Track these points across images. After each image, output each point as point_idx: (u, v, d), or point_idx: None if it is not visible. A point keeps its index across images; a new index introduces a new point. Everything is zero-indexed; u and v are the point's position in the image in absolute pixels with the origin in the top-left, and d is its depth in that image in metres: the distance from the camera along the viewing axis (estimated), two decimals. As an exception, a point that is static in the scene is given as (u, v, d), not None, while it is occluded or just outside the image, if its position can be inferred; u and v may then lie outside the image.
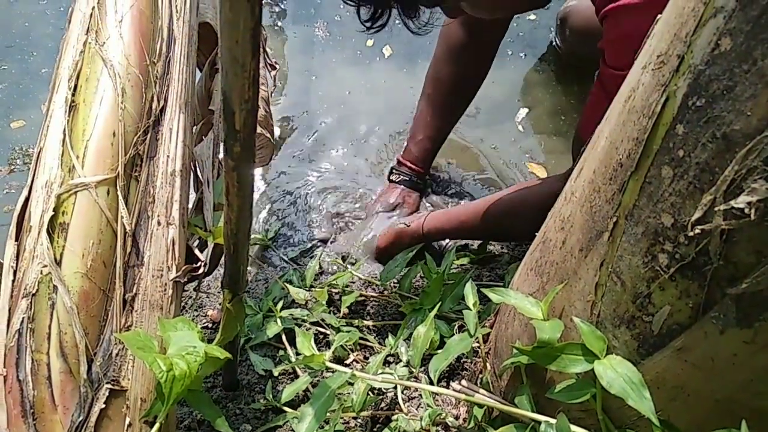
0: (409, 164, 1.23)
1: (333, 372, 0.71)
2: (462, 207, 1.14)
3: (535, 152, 1.40)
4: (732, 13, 0.32)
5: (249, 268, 1.13)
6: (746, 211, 0.33)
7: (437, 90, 1.18)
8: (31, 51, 1.56)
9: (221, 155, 0.56)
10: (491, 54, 1.17)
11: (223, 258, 0.62)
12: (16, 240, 0.59)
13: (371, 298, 1.03)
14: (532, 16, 1.64)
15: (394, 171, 1.25)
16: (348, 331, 0.92)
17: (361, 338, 0.92)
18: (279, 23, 1.66)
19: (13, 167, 1.34)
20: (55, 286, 0.56)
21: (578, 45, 1.42)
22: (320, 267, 1.13)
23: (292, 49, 1.60)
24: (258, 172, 1.33)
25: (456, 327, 0.87)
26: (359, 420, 0.81)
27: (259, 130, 1.01)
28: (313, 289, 1.05)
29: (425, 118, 1.20)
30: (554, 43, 1.54)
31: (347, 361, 0.91)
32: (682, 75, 0.36)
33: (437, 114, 1.19)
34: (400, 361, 0.86)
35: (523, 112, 1.46)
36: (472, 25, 1.11)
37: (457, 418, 0.75)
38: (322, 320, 0.95)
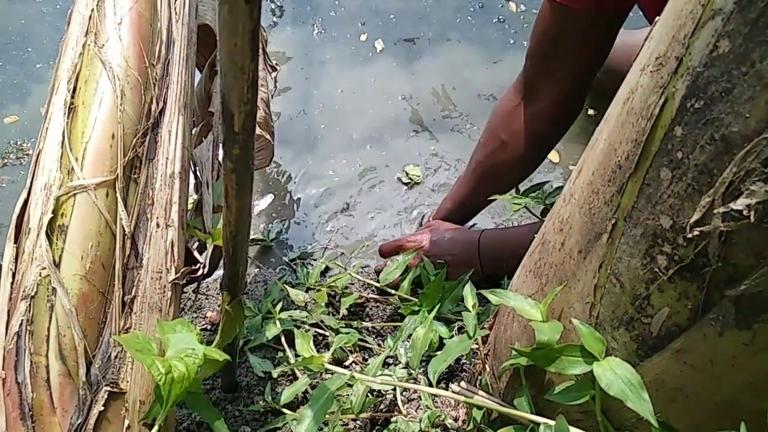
0: (431, 220, 1.17)
1: (332, 374, 0.71)
2: (521, 227, 1.04)
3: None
4: (730, 15, 0.32)
5: (248, 269, 1.13)
6: (745, 213, 0.33)
7: (477, 165, 1.09)
8: (26, 48, 1.56)
9: (221, 157, 0.56)
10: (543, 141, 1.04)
11: (222, 260, 0.62)
12: (15, 242, 0.59)
13: (370, 300, 1.03)
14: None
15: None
16: (347, 333, 0.92)
17: (360, 340, 0.92)
18: (275, 20, 1.67)
19: (5, 161, 1.34)
20: (54, 289, 0.56)
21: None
22: (326, 267, 1.13)
23: (289, 46, 1.61)
24: (257, 173, 1.33)
25: (455, 329, 0.88)
26: (358, 422, 0.81)
27: (259, 131, 1.01)
28: (312, 290, 1.05)
29: (460, 187, 1.13)
30: None
31: (346, 363, 0.91)
32: (681, 77, 0.36)
33: (473, 188, 1.11)
34: (400, 362, 0.86)
35: None
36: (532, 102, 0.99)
37: (456, 419, 0.75)
38: (322, 322, 0.95)
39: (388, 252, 1.08)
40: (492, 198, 0.98)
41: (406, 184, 1.33)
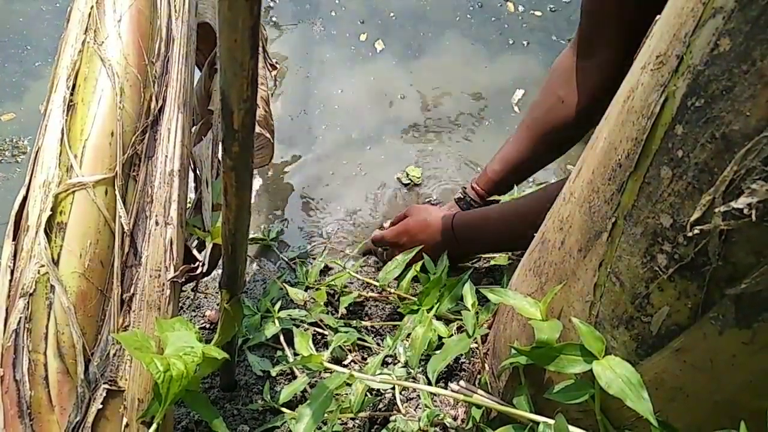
0: (474, 185, 1.13)
1: (331, 372, 0.71)
2: (496, 206, 1.02)
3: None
4: (731, 14, 0.32)
5: (247, 268, 1.13)
6: (746, 211, 0.33)
7: (532, 123, 1.06)
8: (25, 46, 1.56)
9: (220, 155, 0.56)
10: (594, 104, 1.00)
11: (221, 258, 0.62)
12: (14, 239, 0.59)
13: (369, 299, 1.03)
14: (538, 13, 1.66)
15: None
16: (346, 332, 0.92)
17: (359, 339, 0.92)
18: (275, 19, 1.67)
19: (1, 159, 1.34)
20: (52, 286, 0.56)
21: None
22: (326, 266, 1.13)
23: (289, 46, 1.61)
24: (257, 171, 1.33)
25: (454, 327, 0.87)
26: (357, 421, 0.81)
27: (258, 130, 1.01)
28: (311, 289, 1.05)
29: (510, 148, 1.09)
30: None
31: (345, 362, 0.91)
32: (681, 75, 0.36)
33: (526, 148, 1.07)
34: (399, 361, 0.86)
35: (519, 93, 1.48)
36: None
37: (455, 418, 0.75)
38: (321, 321, 0.95)
39: (377, 242, 1.11)
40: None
41: (406, 184, 1.33)
